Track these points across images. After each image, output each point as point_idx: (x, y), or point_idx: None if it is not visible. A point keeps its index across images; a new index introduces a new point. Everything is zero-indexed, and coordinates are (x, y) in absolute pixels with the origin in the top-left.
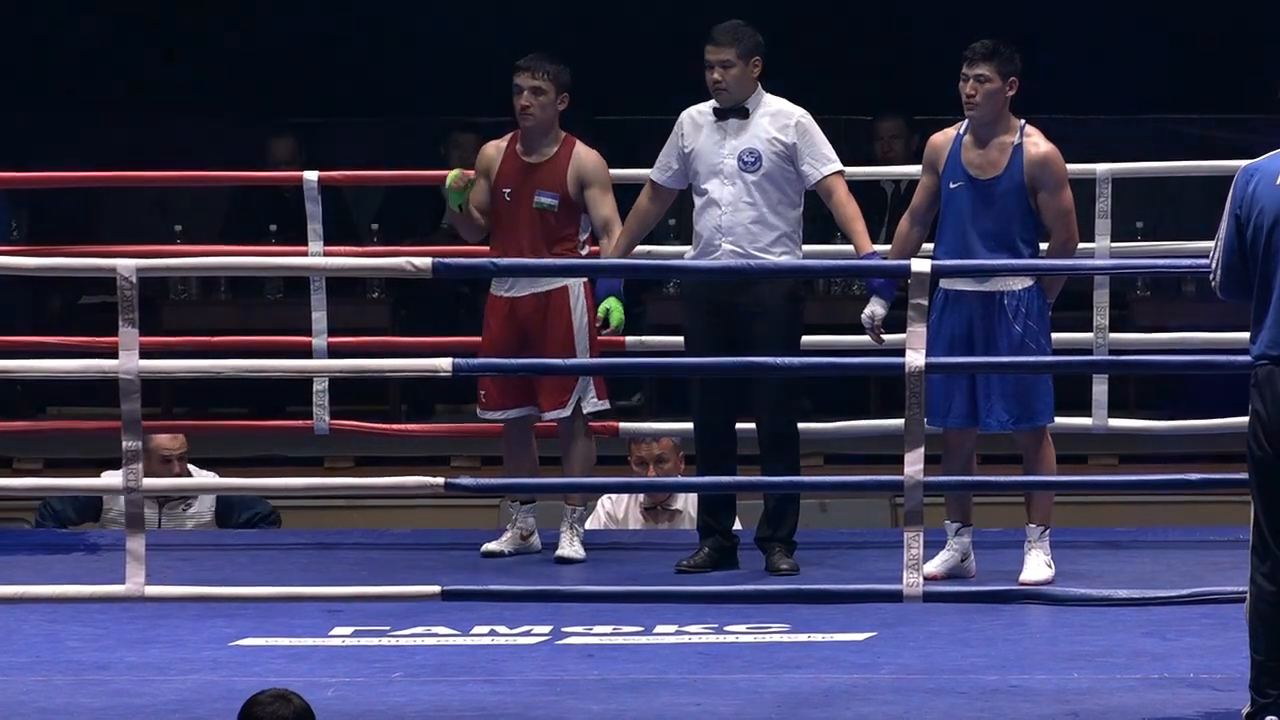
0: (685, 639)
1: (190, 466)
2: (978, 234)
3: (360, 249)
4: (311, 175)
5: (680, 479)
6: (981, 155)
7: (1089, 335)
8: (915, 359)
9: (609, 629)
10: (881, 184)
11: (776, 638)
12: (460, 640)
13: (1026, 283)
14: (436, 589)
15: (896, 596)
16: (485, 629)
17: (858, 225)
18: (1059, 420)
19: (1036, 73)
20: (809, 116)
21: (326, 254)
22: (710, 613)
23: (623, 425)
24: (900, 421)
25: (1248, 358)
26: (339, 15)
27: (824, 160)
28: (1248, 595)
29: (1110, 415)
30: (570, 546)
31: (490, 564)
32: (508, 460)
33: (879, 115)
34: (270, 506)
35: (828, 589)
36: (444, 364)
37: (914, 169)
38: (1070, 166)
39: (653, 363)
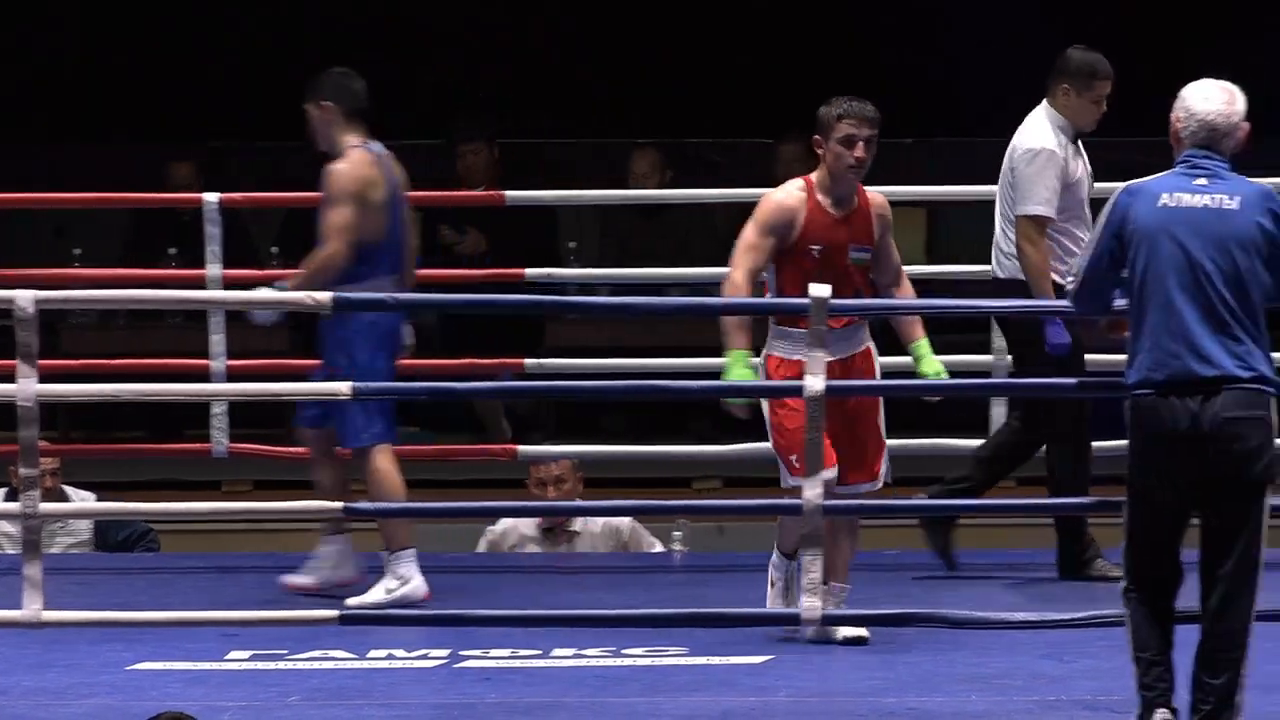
0: (583, 662)
1: (66, 488)
2: None
3: (260, 272)
4: (211, 197)
5: (609, 501)
6: None
7: (989, 358)
8: (815, 383)
9: (507, 652)
10: None
11: (674, 661)
12: (357, 664)
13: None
14: (334, 613)
15: (794, 620)
16: (383, 653)
17: None
18: (966, 441)
19: (933, 94)
20: None
21: (225, 277)
22: (608, 636)
23: (521, 449)
24: None
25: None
26: (238, 40)
27: None
28: (1126, 607)
29: None
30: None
31: None
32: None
33: (780, 138)
34: (146, 525)
35: (725, 612)
36: (343, 388)
37: None
38: (965, 189)
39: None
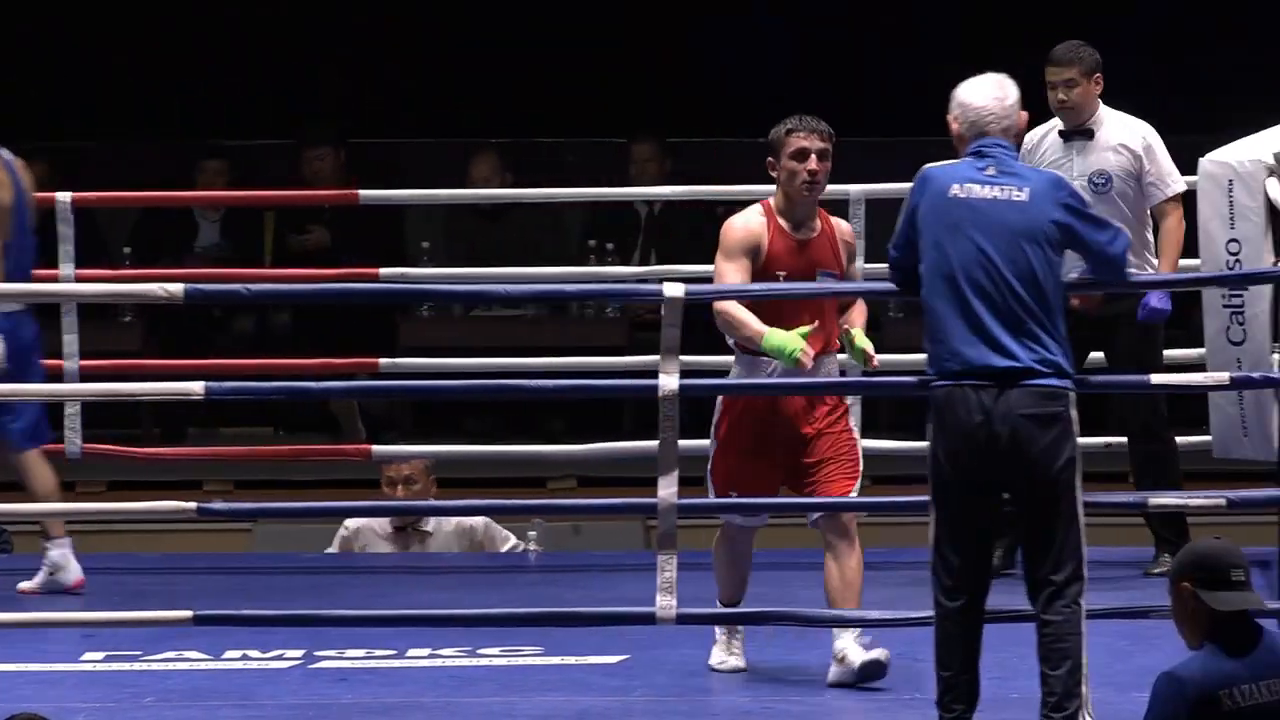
0: (438, 662)
1: None
2: None
3: (112, 272)
4: (64, 197)
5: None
6: None
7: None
8: (669, 382)
9: (362, 652)
10: (635, 205)
11: (529, 660)
12: (213, 665)
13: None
14: (189, 614)
15: (650, 619)
16: (238, 653)
17: (1171, 253)
18: None
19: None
20: (1154, 133)
21: (78, 277)
22: (463, 636)
23: (375, 449)
24: (654, 444)
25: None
26: (93, 38)
27: (1166, 183)
28: (934, 616)
29: (863, 436)
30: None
31: (242, 588)
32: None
33: (633, 138)
34: (0, 527)
35: (581, 611)
36: (196, 387)
37: (667, 190)
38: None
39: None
